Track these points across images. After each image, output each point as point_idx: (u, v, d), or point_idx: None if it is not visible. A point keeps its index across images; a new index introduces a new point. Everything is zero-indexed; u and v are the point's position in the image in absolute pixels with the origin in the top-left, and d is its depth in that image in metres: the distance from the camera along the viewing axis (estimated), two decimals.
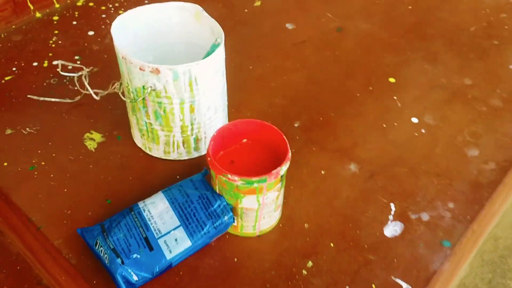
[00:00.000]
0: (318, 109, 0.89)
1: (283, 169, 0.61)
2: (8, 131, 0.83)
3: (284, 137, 0.65)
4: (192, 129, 0.74)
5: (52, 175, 0.76)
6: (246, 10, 1.14)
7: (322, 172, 0.77)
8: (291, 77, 0.96)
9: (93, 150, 0.80)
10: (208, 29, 0.74)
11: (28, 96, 0.89)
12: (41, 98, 0.88)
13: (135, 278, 0.60)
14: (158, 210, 0.64)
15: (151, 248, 0.61)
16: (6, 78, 0.93)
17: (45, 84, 0.92)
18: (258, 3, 1.16)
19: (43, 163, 0.77)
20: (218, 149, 0.67)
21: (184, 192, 0.66)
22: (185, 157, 0.78)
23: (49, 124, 0.84)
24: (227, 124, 0.67)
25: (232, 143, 0.68)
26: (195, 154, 0.78)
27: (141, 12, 0.75)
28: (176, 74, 0.66)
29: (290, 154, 0.62)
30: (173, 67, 0.65)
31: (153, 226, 0.63)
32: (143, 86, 0.68)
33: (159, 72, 0.66)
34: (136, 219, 0.64)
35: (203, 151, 0.78)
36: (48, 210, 0.71)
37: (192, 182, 0.68)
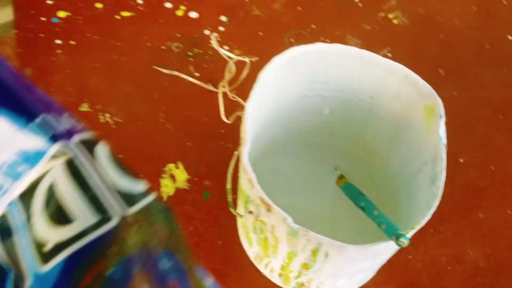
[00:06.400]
0: None
1: None
2: None
3: None
4: (297, 276, 0.43)
5: None
6: None
7: None
8: None
9: None
10: None
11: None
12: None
13: None
14: None
15: None
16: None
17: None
18: None
19: None
20: None
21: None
22: (277, 282, 0.48)
23: None
24: None
25: None
26: None
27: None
28: (293, 232, 0.34)
29: None
30: (292, 224, 0.33)
31: None
32: (246, 200, 0.37)
33: (270, 209, 0.34)
34: None
35: None
36: None
37: None
